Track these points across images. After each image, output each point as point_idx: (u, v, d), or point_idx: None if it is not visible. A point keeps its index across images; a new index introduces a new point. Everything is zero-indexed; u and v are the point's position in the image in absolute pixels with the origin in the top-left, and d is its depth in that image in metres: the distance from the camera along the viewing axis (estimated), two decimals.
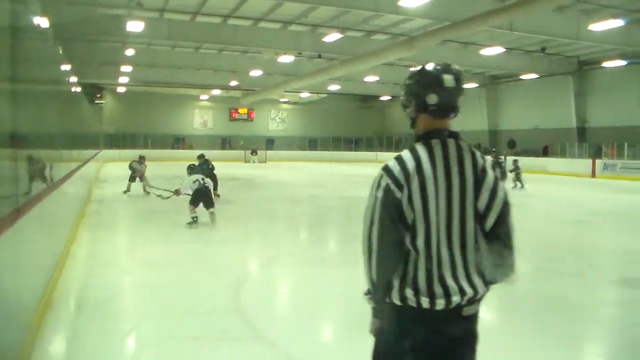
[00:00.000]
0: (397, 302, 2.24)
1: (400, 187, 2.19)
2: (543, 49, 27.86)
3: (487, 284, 2.30)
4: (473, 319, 2.31)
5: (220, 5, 22.64)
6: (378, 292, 2.28)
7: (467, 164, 2.26)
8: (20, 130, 4.78)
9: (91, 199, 15.85)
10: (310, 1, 20.18)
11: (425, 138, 2.31)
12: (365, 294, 2.37)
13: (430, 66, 2.34)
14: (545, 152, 35.77)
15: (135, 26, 21.71)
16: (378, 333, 2.37)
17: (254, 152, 44.11)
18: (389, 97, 49.53)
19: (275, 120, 53.96)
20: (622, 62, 29.23)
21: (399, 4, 18.33)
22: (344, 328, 5.43)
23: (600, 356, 5.15)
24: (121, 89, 44.93)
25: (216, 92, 46.15)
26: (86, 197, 14.81)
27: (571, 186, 23.72)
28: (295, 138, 52.22)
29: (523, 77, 35.38)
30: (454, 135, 2.32)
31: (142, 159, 17.46)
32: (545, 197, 19.12)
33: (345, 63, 26.92)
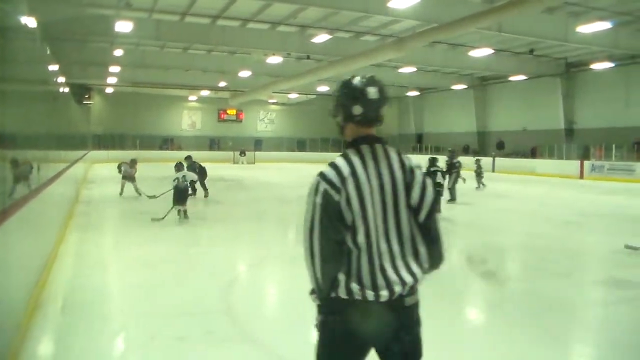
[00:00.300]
0: (344, 296, 2.37)
1: (337, 190, 2.34)
2: (531, 51, 28.02)
3: (425, 271, 2.49)
4: (415, 307, 2.48)
5: (209, 5, 22.55)
6: (323, 291, 2.40)
7: (396, 165, 2.46)
8: (6, 131, 4.74)
9: (79, 200, 15.77)
10: (299, 2, 20.16)
11: (354, 144, 2.48)
12: (311, 294, 2.49)
13: (355, 79, 2.51)
14: (533, 154, 35.95)
15: (123, 26, 21.57)
16: (322, 326, 2.47)
17: (242, 153, 43.98)
18: None
19: (264, 121, 53.85)
20: (610, 64, 29.51)
21: (388, 5, 18.34)
22: None
23: (588, 356, 5.19)
24: (109, 90, 44.63)
25: (205, 93, 46.03)
26: (74, 198, 14.73)
27: (559, 187, 23.84)
28: (284, 139, 52.11)
29: (511, 78, 35.55)
30: (380, 140, 2.51)
31: (133, 162, 17.28)
32: (533, 198, 19.21)
33: (334, 64, 26.89)
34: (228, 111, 51.07)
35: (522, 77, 34.51)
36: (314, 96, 46.27)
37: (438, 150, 37.41)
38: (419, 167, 2.55)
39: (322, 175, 2.38)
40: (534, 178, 29.13)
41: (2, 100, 4.51)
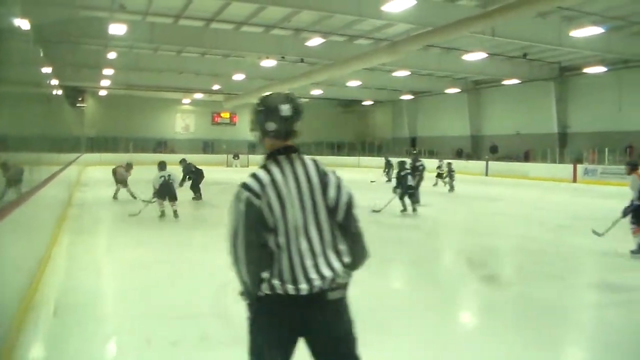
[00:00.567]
0: (267, 292, 2.53)
1: (258, 197, 2.52)
2: (525, 55, 28.08)
3: (348, 267, 2.62)
4: (340, 303, 2.61)
5: (202, 8, 22.50)
6: (252, 292, 2.58)
7: (312, 171, 2.64)
8: None
9: (72, 203, 15.71)
10: (293, 5, 20.17)
11: (273, 155, 2.66)
12: (241, 294, 2.66)
13: (270, 97, 2.73)
14: (526, 158, 36.00)
15: (117, 29, 21.58)
16: (252, 323, 2.63)
17: (236, 156, 43.85)
18: (371, 102, 49.76)
19: None
20: (603, 69, 29.65)
21: (382, 8, 18.38)
22: None
23: (582, 359, 5.22)
24: (103, 92, 44.52)
25: (198, 96, 45.99)
26: (67, 200, 14.68)
27: (552, 191, 23.86)
28: None
29: (505, 82, 35.68)
30: (296, 150, 2.69)
31: (129, 167, 17.21)
32: (527, 202, 19.24)
33: (328, 67, 26.92)
34: (222, 114, 51.04)
35: (515, 81, 34.64)
36: (308, 99, 46.25)
37: (432, 154, 37.49)
38: (334, 172, 2.72)
39: (244, 185, 2.57)
40: (527, 182, 29.15)
41: None
